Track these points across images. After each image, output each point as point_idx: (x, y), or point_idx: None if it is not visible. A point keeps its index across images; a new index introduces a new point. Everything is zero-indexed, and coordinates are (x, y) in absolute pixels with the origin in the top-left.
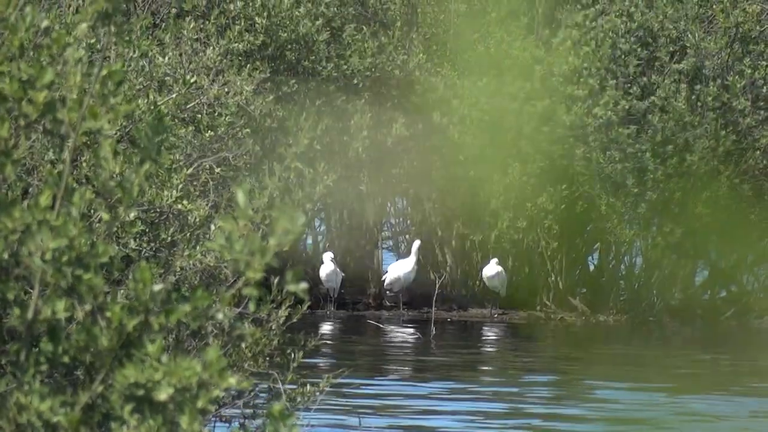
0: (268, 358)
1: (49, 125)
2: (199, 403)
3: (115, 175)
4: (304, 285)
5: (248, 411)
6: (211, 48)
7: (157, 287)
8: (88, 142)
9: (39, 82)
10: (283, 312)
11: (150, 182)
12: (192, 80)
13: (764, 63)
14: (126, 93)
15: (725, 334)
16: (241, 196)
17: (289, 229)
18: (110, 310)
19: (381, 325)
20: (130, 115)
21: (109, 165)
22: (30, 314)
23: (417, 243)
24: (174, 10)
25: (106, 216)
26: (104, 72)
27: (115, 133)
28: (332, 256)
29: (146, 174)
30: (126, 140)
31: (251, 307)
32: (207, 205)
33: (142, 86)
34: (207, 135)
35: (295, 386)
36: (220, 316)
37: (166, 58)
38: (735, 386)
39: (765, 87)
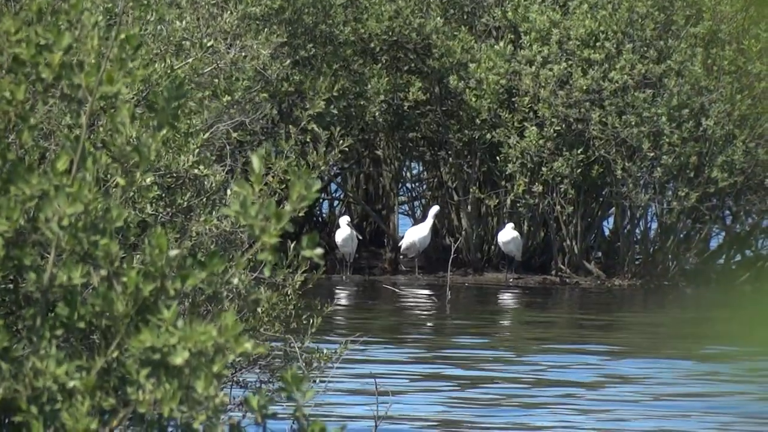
0: (284, 323)
1: (66, 89)
2: (215, 368)
3: (131, 140)
4: (319, 250)
5: (264, 376)
6: (228, 12)
7: (173, 253)
8: (105, 107)
9: (56, 46)
10: (299, 277)
11: (166, 147)
12: (209, 44)
13: None
14: (143, 57)
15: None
16: (256, 162)
17: (305, 194)
18: (126, 276)
19: (397, 290)
20: (146, 79)
21: (126, 130)
22: (46, 280)
23: (435, 209)
24: None
25: (122, 181)
26: (122, 36)
27: (132, 98)
28: (349, 220)
29: (163, 139)
30: (143, 104)
31: (266, 272)
32: (223, 170)
33: (159, 51)
34: (224, 99)
35: (311, 351)
36: (235, 281)
37: (183, 22)
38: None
39: None
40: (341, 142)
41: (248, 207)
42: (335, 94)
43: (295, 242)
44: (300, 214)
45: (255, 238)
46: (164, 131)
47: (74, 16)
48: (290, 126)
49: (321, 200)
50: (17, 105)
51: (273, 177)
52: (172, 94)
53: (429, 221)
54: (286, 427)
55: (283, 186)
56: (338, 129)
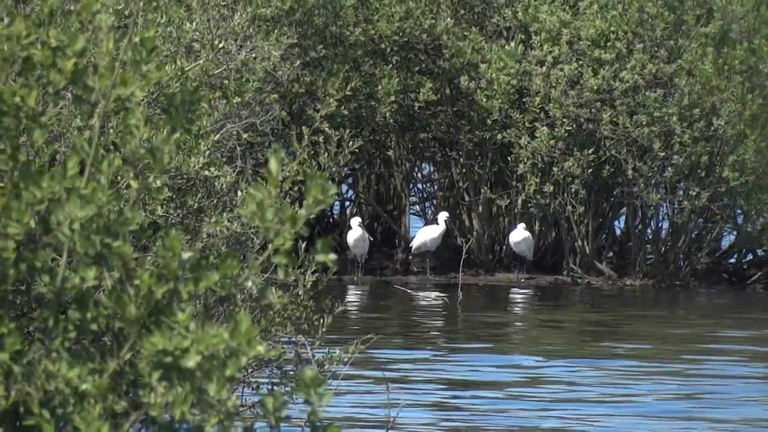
0: (295, 324)
1: (80, 92)
2: (227, 371)
3: (143, 142)
4: (333, 255)
5: (276, 378)
6: (239, 13)
7: (186, 255)
8: (116, 109)
9: (70, 48)
10: (310, 277)
11: (177, 149)
12: (220, 46)
13: None
14: (156, 59)
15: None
16: (273, 164)
17: (321, 198)
18: (139, 278)
19: (408, 291)
20: (158, 81)
21: (139, 132)
22: (58, 282)
23: (444, 215)
24: None
25: (135, 184)
26: (137, 39)
27: (142, 99)
28: (360, 221)
29: (176, 142)
30: (153, 106)
31: (280, 274)
32: (234, 171)
33: (169, 52)
34: (234, 101)
35: (323, 352)
36: (248, 284)
37: (194, 23)
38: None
39: None
40: (351, 143)
41: (264, 209)
42: (348, 93)
43: (306, 243)
44: (312, 217)
45: (269, 240)
46: (177, 135)
47: (86, 17)
48: (302, 127)
49: (332, 201)
50: (28, 111)
51: (285, 179)
52: (186, 99)
53: (441, 226)
54: (299, 430)
55: (295, 187)
56: (348, 131)
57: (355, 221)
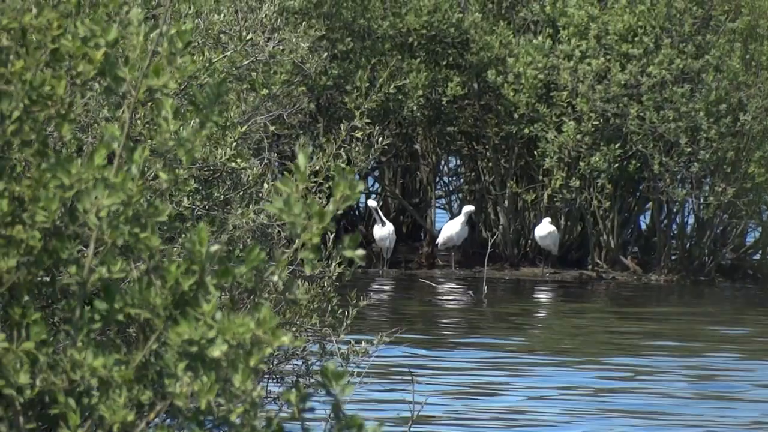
0: (320, 316)
1: (110, 83)
2: (252, 361)
3: (172, 134)
4: (361, 252)
5: (301, 370)
6: (267, 5)
7: (214, 248)
8: (145, 100)
9: (103, 38)
10: (335, 269)
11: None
12: (248, 38)
13: None
14: (190, 52)
15: None
16: (302, 159)
17: (349, 194)
18: (166, 269)
19: (433, 284)
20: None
21: (169, 125)
22: (85, 273)
23: (470, 208)
24: None
25: (164, 175)
26: (173, 31)
27: (175, 92)
28: (374, 204)
29: (206, 135)
30: (181, 98)
31: (307, 270)
32: (261, 163)
33: (197, 44)
34: (262, 93)
35: (348, 344)
36: (275, 278)
37: (222, 15)
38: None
39: None
40: (381, 139)
41: (292, 204)
42: (391, 91)
43: (333, 236)
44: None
45: (296, 235)
46: (207, 130)
47: (113, 8)
48: (340, 121)
49: (360, 197)
50: (57, 100)
51: (316, 172)
52: (214, 92)
53: (462, 216)
54: (323, 423)
55: (326, 184)
56: (377, 127)
57: (371, 203)
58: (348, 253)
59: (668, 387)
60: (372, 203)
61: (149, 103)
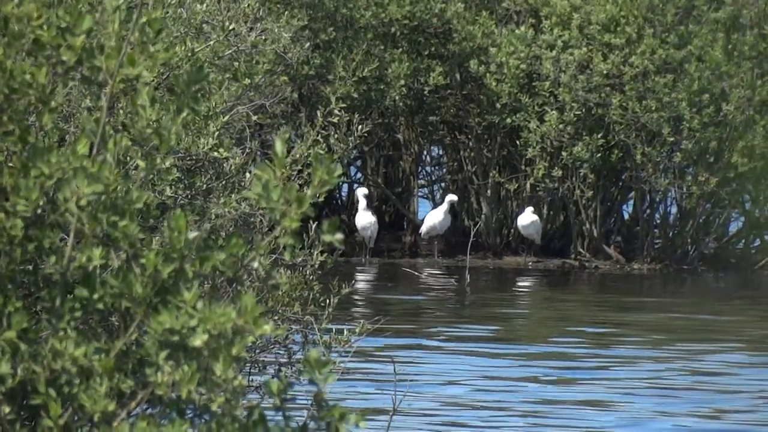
0: (303, 305)
1: (87, 72)
2: (234, 350)
3: (151, 123)
4: (340, 235)
5: (283, 359)
6: None
7: (192, 234)
8: (125, 89)
9: (78, 29)
10: (317, 257)
11: (186, 130)
12: (230, 27)
13: None
14: (164, 40)
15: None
16: (279, 145)
17: (327, 179)
18: (145, 257)
19: (416, 273)
20: (167, 62)
21: (146, 113)
22: (65, 261)
23: (452, 197)
24: None
25: (142, 164)
26: (144, 19)
27: (152, 81)
28: (366, 191)
29: (183, 122)
30: (163, 88)
31: (287, 256)
32: (243, 152)
33: (179, 33)
34: (244, 82)
35: (330, 333)
36: (255, 264)
37: (204, 5)
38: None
39: None
40: (360, 127)
41: (270, 191)
42: (365, 75)
43: (316, 225)
44: (320, 198)
45: (276, 222)
46: (184, 115)
47: None
48: (317, 110)
49: (341, 183)
50: (38, 88)
51: (295, 161)
52: (192, 78)
53: (445, 205)
54: (305, 411)
55: (306, 171)
56: (357, 115)
57: (361, 192)
58: (327, 237)
59: (629, 378)
60: (364, 190)
61: (130, 93)
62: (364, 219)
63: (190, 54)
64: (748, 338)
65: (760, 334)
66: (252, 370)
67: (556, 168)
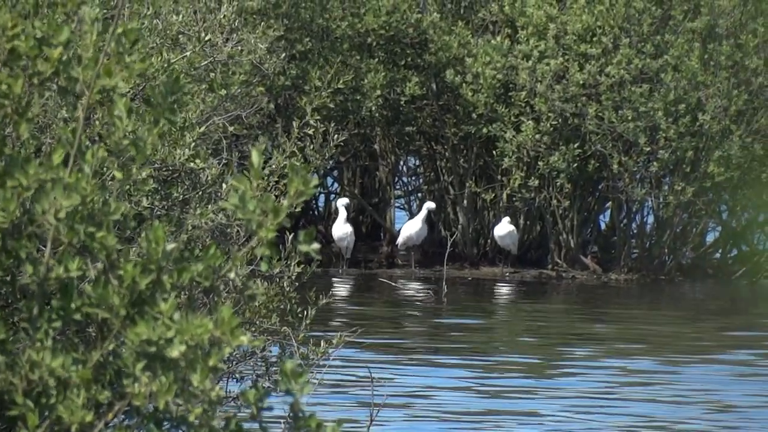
0: (280, 316)
1: (64, 83)
2: (211, 361)
3: (128, 134)
4: (316, 245)
5: (260, 369)
6: (225, 6)
7: (170, 246)
8: (102, 100)
9: (55, 39)
10: (294, 268)
11: (163, 140)
12: (206, 38)
13: None
14: (140, 51)
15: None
16: (255, 156)
17: (303, 190)
18: (123, 269)
19: (393, 283)
20: (143, 73)
21: (122, 124)
22: (42, 272)
23: (430, 204)
24: None
25: (119, 174)
26: (119, 30)
27: (129, 92)
28: (347, 201)
29: (159, 133)
30: (139, 99)
31: (263, 267)
32: (219, 163)
33: (155, 44)
34: (221, 93)
35: (307, 344)
36: (232, 275)
37: (180, 16)
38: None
39: None
40: (336, 137)
41: (246, 201)
42: (341, 86)
43: (292, 235)
44: (297, 209)
45: (252, 232)
46: (161, 125)
47: (71, 8)
48: (293, 119)
49: (317, 194)
50: (14, 99)
51: (272, 172)
52: (168, 89)
53: (422, 213)
54: (282, 422)
55: (282, 182)
56: (333, 124)
57: (341, 202)
58: (303, 248)
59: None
60: (344, 201)
61: (107, 104)
62: (341, 230)
63: (166, 65)
64: (713, 347)
65: (719, 345)
66: (229, 381)
67: (533, 178)
